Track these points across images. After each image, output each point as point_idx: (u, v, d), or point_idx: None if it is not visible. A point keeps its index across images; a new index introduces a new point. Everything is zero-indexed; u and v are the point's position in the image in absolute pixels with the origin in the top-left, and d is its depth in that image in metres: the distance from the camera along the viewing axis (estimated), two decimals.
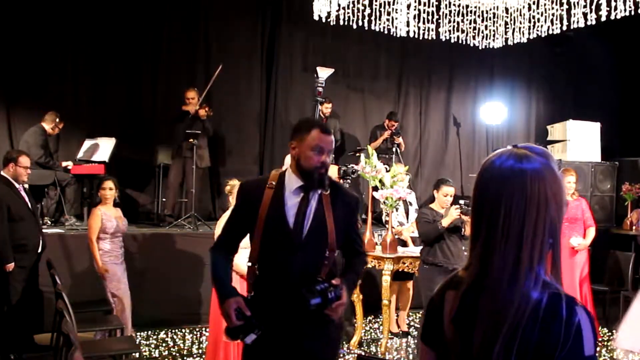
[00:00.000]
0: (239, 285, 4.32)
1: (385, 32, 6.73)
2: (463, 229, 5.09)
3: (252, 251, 2.55)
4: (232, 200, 4.57)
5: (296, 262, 2.44)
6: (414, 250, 5.78)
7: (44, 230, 5.47)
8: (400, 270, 5.72)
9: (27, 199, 5.17)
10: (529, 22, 6.68)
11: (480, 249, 1.28)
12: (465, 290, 1.28)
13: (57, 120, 6.88)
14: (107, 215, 5.12)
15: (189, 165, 7.23)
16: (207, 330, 5.10)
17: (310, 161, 2.47)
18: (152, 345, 5.68)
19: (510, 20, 6.85)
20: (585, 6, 5.78)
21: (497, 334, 1.18)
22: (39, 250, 5.15)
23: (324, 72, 7.77)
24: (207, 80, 7.67)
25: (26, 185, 5.41)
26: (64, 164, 6.87)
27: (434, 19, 6.61)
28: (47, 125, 6.83)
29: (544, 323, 1.16)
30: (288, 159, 5.02)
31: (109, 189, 5.18)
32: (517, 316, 1.18)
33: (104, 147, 7.17)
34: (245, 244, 4.45)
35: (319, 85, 7.69)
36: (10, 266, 4.85)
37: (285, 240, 2.47)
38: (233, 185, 4.57)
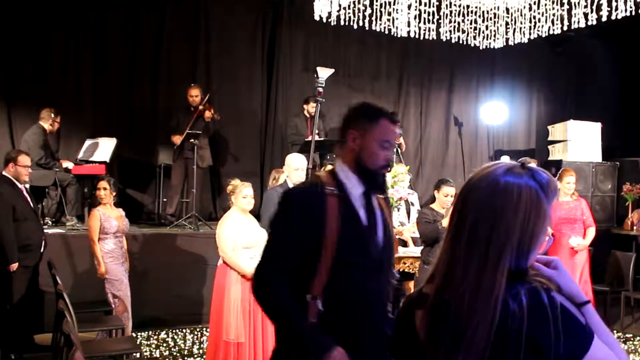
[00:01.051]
0: (241, 285, 4.31)
1: (386, 32, 6.74)
2: None
3: (317, 279, 1.95)
4: (234, 200, 4.54)
5: (376, 286, 2.02)
6: (415, 251, 5.77)
7: (44, 230, 5.48)
8: (401, 270, 5.71)
9: (29, 199, 5.19)
10: (530, 22, 6.67)
11: (446, 258, 1.24)
12: (432, 306, 1.22)
13: (53, 115, 6.72)
14: (106, 216, 5.08)
15: (191, 165, 7.21)
16: (208, 330, 5.10)
17: (377, 158, 2.04)
18: (153, 346, 5.67)
19: (511, 20, 6.84)
20: (586, 6, 5.78)
21: (478, 350, 1.14)
22: (42, 250, 5.16)
23: (324, 72, 7.74)
24: (207, 81, 7.67)
25: (27, 185, 5.41)
26: (64, 164, 6.84)
27: (435, 19, 6.61)
28: (45, 124, 6.71)
29: (530, 320, 1.12)
30: (289, 159, 5.05)
31: (103, 189, 5.14)
32: (487, 329, 1.13)
33: (105, 147, 7.15)
34: (248, 243, 4.43)
35: (319, 85, 7.67)
36: (14, 266, 4.86)
37: (366, 260, 2.00)
38: (235, 186, 4.54)
